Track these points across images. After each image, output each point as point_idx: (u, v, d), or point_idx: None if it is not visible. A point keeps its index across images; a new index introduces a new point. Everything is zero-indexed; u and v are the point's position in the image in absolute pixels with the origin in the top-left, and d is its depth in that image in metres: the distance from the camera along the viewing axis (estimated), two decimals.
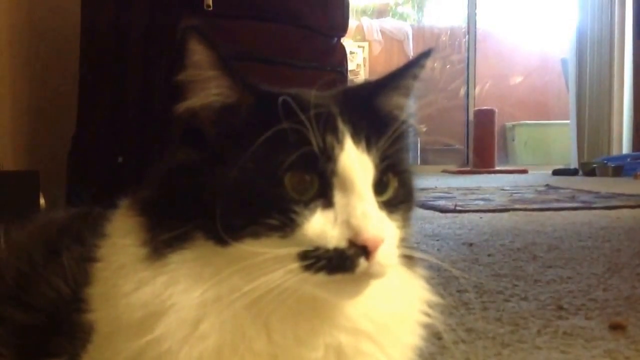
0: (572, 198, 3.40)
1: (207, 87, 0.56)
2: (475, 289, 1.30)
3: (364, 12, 7.70)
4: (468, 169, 6.64)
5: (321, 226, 0.52)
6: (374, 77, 0.63)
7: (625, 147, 6.37)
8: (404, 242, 0.59)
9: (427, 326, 0.62)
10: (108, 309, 0.55)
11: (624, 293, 1.28)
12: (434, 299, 0.63)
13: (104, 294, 0.57)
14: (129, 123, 1.83)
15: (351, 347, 0.56)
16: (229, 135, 0.55)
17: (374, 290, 0.55)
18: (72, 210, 0.91)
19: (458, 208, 2.90)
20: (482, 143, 6.66)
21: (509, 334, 1.02)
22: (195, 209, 0.54)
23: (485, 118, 6.68)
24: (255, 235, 0.52)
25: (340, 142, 0.54)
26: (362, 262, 0.51)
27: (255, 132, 0.53)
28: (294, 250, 0.51)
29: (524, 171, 6.42)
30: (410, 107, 0.64)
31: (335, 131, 0.54)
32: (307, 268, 0.51)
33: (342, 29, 2.12)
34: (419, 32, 7.85)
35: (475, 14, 7.25)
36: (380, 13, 7.89)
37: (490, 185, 4.50)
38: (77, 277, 0.68)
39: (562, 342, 0.98)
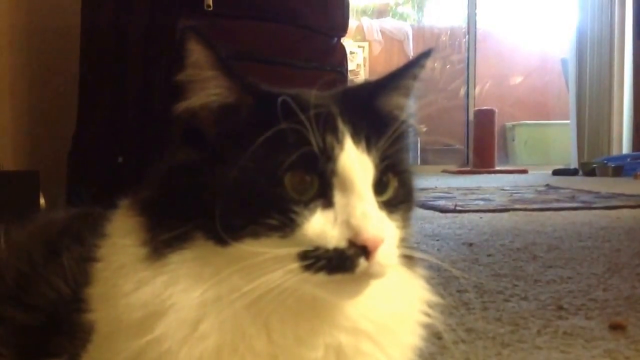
0: (572, 198, 3.40)
1: (206, 87, 0.56)
2: (475, 289, 1.30)
3: (364, 12, 7.70)
4: (468, 169, 6.64)
5: (321, 226, 0.52)
6: (374, 77, 0.63)
7: (625, 147, 6.37)
8: (404, 242, 0.59)
9: (427, 326, 0.62)
10: (108, 309, 0.55)
11: (624, 293, 1.28)
12: (434, 299, 0.63)
13: (104, 294, 0.57)
14: (129, 123, 1.83)
15: (351, 347, 0.56)
16: (228, 135, 0.55)
17: (374, 290, 0.55)
18: (72, 211, 0.91)
19: (458, 208, 2.90)
20: (482, 143, 6.66)
21: (509, 334, 1.02)
22: (195, 209, 0.54)
23: (485, 118, 6.68)
24: (255, 235, 0.52)
25: (340, 142, 0.54)
26: (362, 262, 0.51)
27: (255, 132, 0.53)
28: (294, 250, 0.51)
29: (524, 171, 6.42)
30: (410, 107, 0.64)
31: (335, 131, 0.54)
32: (307, 268, 0.51)
33: (342, 29, 2.12)
34: (419, 32, 7.84)
35: (475, 14, 7.24)
36: (380, 13, 7.89)
37: (490, 185, 4.50)
38: (77, 277, 0.68)
39: (562, 342, 0.98)
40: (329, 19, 2.02)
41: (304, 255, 0.51)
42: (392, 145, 0.57)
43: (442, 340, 0.66)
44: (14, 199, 1.65)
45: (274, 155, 0.52)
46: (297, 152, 0.52)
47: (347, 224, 0.52)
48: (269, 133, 0.52)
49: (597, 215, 2.62)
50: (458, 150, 7.16)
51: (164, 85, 1.71)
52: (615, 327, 1.05)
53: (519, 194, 3.68)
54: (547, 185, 4.41)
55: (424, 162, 6.80)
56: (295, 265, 0.51)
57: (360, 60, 7.42)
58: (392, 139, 0.57)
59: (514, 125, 7.57)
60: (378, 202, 0.55)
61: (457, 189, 4.15)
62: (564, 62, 6.93)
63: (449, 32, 7.76)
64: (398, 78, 0.63)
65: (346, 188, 0.53)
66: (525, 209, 2.84)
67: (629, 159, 5.74)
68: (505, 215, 2.70)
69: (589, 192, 3.75)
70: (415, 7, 8.12)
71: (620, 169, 5.55)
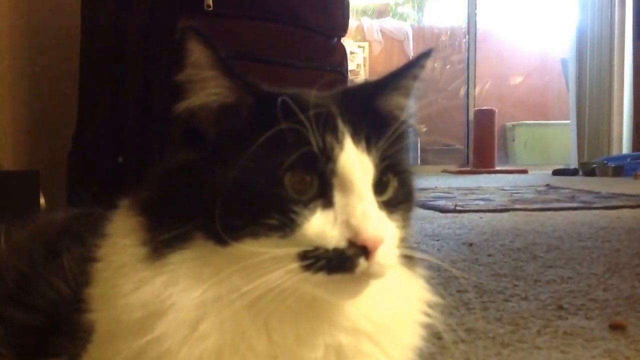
0: (572, 198, 3.40)
1: (206, 86, 0.56)
2: (475, 289, 1.30)
3: (364, 12, 7.71)
4: (468, 169, 6.64)
5: (321, 226, 0.52)
6: (374, 77, 0.63)
7: (625, 147, 6.38)
8: (404, 242, 0.59)
9: (427, 326, 0.62)
10: (108, 309, 0.55)
11: (624, 293, 1.28)
12: (434, 299, 0.63)
13: (104, 294, 0.57)
14: (129, 123, 1.83)
15: (351, 347, 0.56)
16: (228, 135, 0.55)
17: (374, 290, 0.55)
18: (72, 211, 0.91)
19: (458, 208, 2.90)
20: (482, 143, 6.66)
21: (509, 334, 1.02)
22: (195, 209, 0.54)
23: (485, 118, 6.68)
24: (255, 235, 0.52)
25: (340, 142, 0.54)
26: (362, 262, 0.51)
27: (255, 132, 0.53)
28: (294, 250, 0.51)
29: (524, 171, 6.42)
30: (410, 107, 0.64)
31: (335, 131, 0.54)
32: (306, 268, 0.51)
33: (342, 29, 2.12)
34: (419, 32, 7.85)
35: (475, 14, 7.24)
36: (381, 13, 7.89)
37: (490, 185, 4.50)
38: (77, 277, 0.68)
39: (562, 342, 0.98)
40: (329, 19, 2.02)
41: (303, 255, 0.51)
42: (392, 146, 0.57)
43: (442, 340, 0.66)
44: (14, 199, 1.65)
45: (274, 155, 0.52)
46: (297, 152, 0.52)
47: (347, 224, 0.52)
48: (269, 133, 0.52)
49: (597, 215, 2.62)
50: (458, 150, 7.16)
51: (164, 85, 1.71)
52: (615, 327, 1.05)
53: (519, 194, 3.68)
54: (547, 185, 4.41)
55: (424, 162, 6.80)
56: (295, 265, 0.51)
57: (360, 60, 7.42)
58: (392, 139, 0.57)
59: (514, 126, 7.57)
60: (378, 202, 0.55)
61: (457, 189, 4.15)
62: (564, 62, 6.94)
63: (449, 32, 7.76)
64: (398, 78, 0.63)
65: (346, 188, 0.53)
66: (525, 209, 2.84)
67: (629, 159, 5.74)
68: (505, 215, 2.70)
69: (589, 192, 3.75)
70: (415, 7, 8.12)
71: (620, 169, 5.55)
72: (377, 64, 7.40)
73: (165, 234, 0.54)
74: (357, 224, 0.51)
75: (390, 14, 7.95)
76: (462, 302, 1.18)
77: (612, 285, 1.35)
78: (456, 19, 7.68)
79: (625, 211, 2.79)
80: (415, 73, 0.63)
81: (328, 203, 0.53)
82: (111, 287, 0.55)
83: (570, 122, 6.67)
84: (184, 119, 0.57)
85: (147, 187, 0.59)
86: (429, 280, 0.63)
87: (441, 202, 3.12)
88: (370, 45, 7.54)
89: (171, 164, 0.57)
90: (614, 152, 6.33)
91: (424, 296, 0.62)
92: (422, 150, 6.82)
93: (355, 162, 0.54)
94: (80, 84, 2.02)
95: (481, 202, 3.21)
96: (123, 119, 1.85)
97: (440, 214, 2.76)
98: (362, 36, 7.55)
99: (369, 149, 0.55)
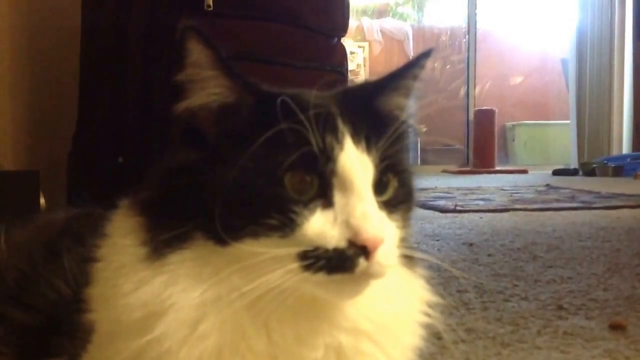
0: (572, 198, 3.40)
1: (206, 86, 0.56)
2: (475, 289, 1.30)
3: (364, 12, 7.71)
4: (468, 169, 6.64)
5: (321, 226, 0.52)
6: (374, 77, 0.63)
7: (625, 147, 6.38)
8: (404, 242, 0.59)
9: (427, 326, 0.62)
10: (108, 309, 0.55)
11: (624, 293, 1.28)
12: (434, 299, 0.63)
13: (104, 294, 0.57)
14: (129, 123, 1.83)
15: (351, 347, 0.56)
16: (228, 135, 0.55)
17: (373, 290, 0.55)
18: (72, 211, 0.91)
19: (458, 208, 2.90)
20: (482, 143, 6.66)
21: (509, 334, 1.02)
22: (195, 209, 0.54)
23: (485, 118, 6.68)
24: (255, 235, 0.52)
25: (340, 142, 0.54)
26: (362, 262, 0.51)
27: (255, 132, 0.53)
28: (294, 250, 0.51)
29: (524, 171, 6.42)
30: (410, 107, 0.64)
31: (335, 131, 0.54)
32: (306, 268, 0.51)
33: (342, 29, 2.12)
34: (419, 32, 7.85)
35: (475, 14, 7.24)
36: (381, 13, 7.89)
37: (490, 185, 4.50)
38: (78, 277, 0.68)
39: (562, 342, 0.98)
40: (329, 19, 2.02)
41: (303, 255, 0.51)
42: (392, 145, 0.57)
43: (442, 340, 0.66)
44: (14, 199, 1.65)
45: (273, 155, 0.52)
46: (297, 152, 0.52)
47: (347, 224, 0.52)
48: (269, 133, 0.52)
49: (597, 215, 2.62)
50: (458, 150, 7.16)
51: (164, 85, 1.71)
52: (615, 327, 1.05)
53: (519, 194, 3.68)
54: (547, 185, 4.41)
55: (424, 162, 6.80)
56: (295, 265, 0.51)
57: (360, 60, 7.42)
58: (392, 139, 0.57)
59: (514, 126, 7.57)
60: (378, 202, 0.55)
61: (457, 189, 4.15)
62: (564, 62, 6.94)
63: (449, 32, 7.77)
64: (398, 78, 0.63)
65: (346, 188, 0.53)
66: (525, 209, 2.84)
67: (629, 159, 5.74)
68: (505, 215, 2.70)
69: (589, 192, 3.76)
70: (415, 7, 8.12)
71: (620, 169, 5.55)
72: (377, 64, 7.40)
73: (165, 234, 0.54)
74: (357, 224, 0.51)
75: (390, 14, 7.95)
76: (462, 302, 1.18)
77: (612, 285, 1.35)
78: (456, 19, 7.69)
79: (625, 211, 2.79)
80: (415, 73, 0.63)
81: (328, 203, 0.53)
82: (111, 287, 0.55)
83: (570, 122, 6.67)
84: (184, 119, 0.57)
85: (147, 187, 0.58)
86: (429, 280, 0.63)
87: (441, 202, 3.12)
88: (370, 45, 7.55)
89: (171, 164, 0.57)
90: (614, 152, 6.33)
91: (424, 296, 0.62)
92: (422, 150, 6.82)
93: (355, 162, 0.54)
94: (80, 84, 2.02)
95: (481, 202, 3.21)
96: (123, 119, 1.85)
97: (440, 214, 2.76)
98: (362, 36, 7.56)
99: (369, 149, 0.55)
